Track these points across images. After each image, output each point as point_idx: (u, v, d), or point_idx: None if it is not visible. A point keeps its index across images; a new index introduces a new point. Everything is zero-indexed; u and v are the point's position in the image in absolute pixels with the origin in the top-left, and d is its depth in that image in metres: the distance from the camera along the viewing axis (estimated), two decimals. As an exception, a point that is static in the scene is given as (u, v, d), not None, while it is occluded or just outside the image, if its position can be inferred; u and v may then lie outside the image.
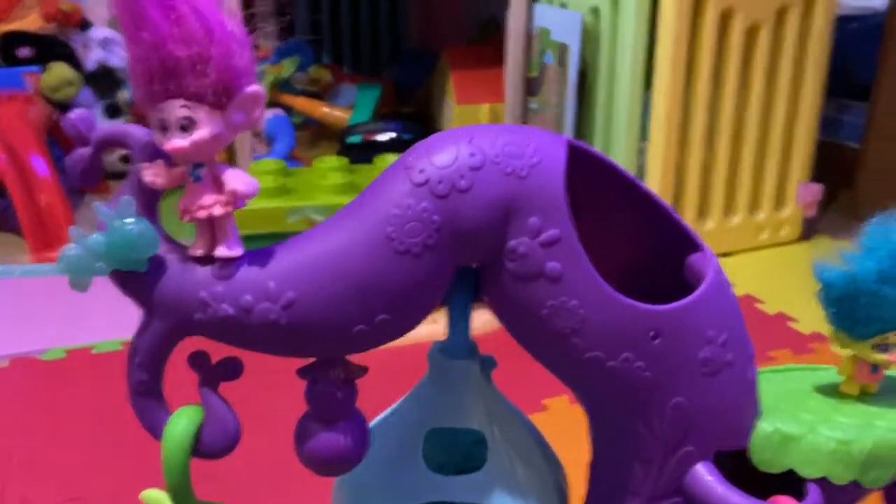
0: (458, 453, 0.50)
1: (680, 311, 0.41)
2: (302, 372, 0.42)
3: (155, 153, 0.39)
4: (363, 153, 1.74)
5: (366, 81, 2.10)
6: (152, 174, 0.38)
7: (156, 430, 0.41)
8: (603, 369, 0.41)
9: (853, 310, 0.43)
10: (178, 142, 0.36)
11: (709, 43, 1.59)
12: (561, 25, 1.68)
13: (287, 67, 2.03)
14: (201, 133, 0.36)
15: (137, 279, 0.39)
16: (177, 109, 0.36)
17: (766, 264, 1.72)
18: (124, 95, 2.11)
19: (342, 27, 2.56)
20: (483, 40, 2.09)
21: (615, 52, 1.63)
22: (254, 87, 0.37)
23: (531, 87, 1.83)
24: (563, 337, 0.40)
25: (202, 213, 0.37)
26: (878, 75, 1.85)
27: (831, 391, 0.47)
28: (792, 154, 1.76)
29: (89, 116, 0.40)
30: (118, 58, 2.12)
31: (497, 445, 0.46)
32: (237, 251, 0.38)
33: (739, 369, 0.42)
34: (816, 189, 1.78)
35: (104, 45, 2.11)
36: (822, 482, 0.42)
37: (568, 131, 1.72)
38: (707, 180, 1.75)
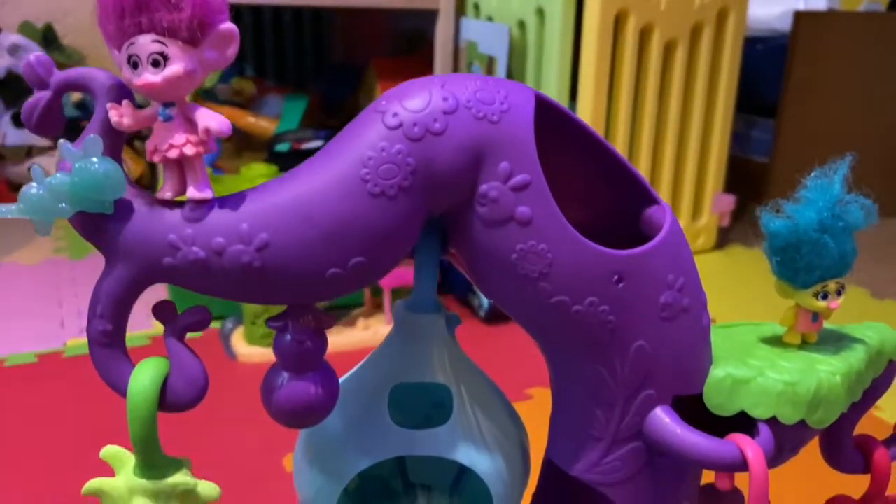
0: (417, 415, 0.50)
1: (643, 255, 0.42)
2: (271, 322, 0.41)
3: (119, 97, 0.38)
4: (291, 161, 1.73)
5: (292, 92, 2.09)
6: (118, 114, 0.37)
7: (119, 383, 0.40)
8: (568, 314, 0.42)
9: (795, 259, 0.46)
10: (149, 77, 0.36)
11: (629, 58, 1.66)
12: (488, 38, 1.72)
13: (209, 77, 2.00)
14: (174, 69, 0.36)
15: (102, 223, 0.38)
16: (149, 44, 0.35)
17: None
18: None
19: (265, 40, 2.55)
20: (410, 52, 2.11)
21: (541, 64, 1.68)
22: (228, 25, 0.36)
23: (459, 98, 1.86)
24: (531, 281, 0.41)
25: (173, 153, 0.37)
26: (783, 93, 1.97)
27: (775, 342, 0.49)
28: (707, 165, 1.85)
29: (48, 60, 0.38)
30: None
31: (462, 400, 0.47)
32: (208, 193, 0.38)
33: (695, 315, 0.44)
34: (730, 199, 1.88)
35: (13, 51, 2.02)
36: (772, 423, 0.45)
37: (496, 141, 1.75)
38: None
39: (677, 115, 1.77)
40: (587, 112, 1.63)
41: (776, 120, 1.98)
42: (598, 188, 0.47)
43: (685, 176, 1.83)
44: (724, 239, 1.92)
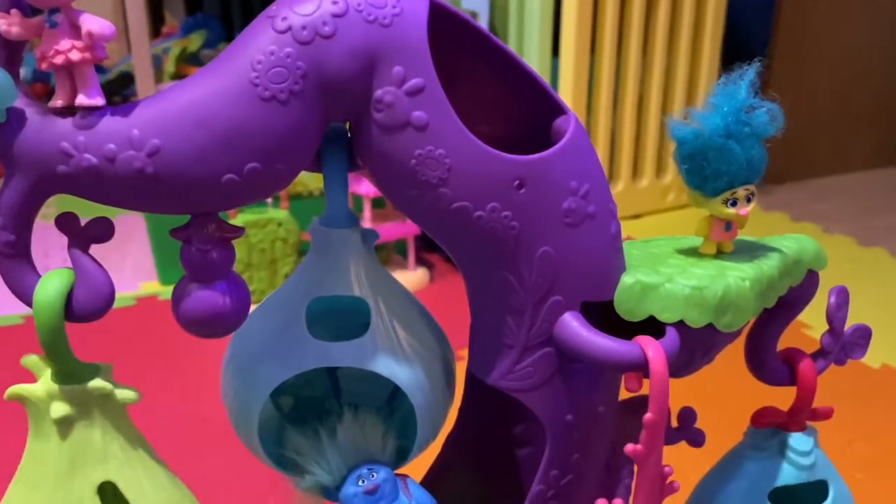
0: (346, 336, 0.50)
1: (543, 161, 0.43)
2: (175, 232, 0.42)
3: (8, 6, 0.39)
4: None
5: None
6: (7, 23, 0.37)
7: (26, 294, 0.41)
8: (470, 220, 0.42)
9: (703, 166, 0.46)
10: (31, -19, 0.36)
11: (611, 7, 1.64)
12: (469, -7, 1.70)
13: (195, 41, 2.00)
14: (56, -28, 0.36)
15: (-5, 132, 0.38)
16: (30, -52, 0.36)
17: (672, 225, 1.79)
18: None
19: (254, 6, 2.53)
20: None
21: (523, 20, 1.66)
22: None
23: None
24: (432, 187, 0.41)
25: (59, 59, 0.37)
26: (771, 44, 1.94)
27: (691, 252, 0.49)
28: (692, 117, 1.83)
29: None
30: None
31: (380, 313, 0.47)
32: (98, 100, 0.38)
33: (602, 222, 0.45)
34: (717, 151, 1.86)
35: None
36: (680, 327, 0.45)
37: (478, 96, 1.75)
38: (614, 145, 1.80)
39: (662, 67, 1.76)
40: (570, 67, 1.62)
41: (764, 69, 1.96)
42: (508, 101, 0.47)
43: (671, 129, 1.81)
44: (712, 192, 1.91)
